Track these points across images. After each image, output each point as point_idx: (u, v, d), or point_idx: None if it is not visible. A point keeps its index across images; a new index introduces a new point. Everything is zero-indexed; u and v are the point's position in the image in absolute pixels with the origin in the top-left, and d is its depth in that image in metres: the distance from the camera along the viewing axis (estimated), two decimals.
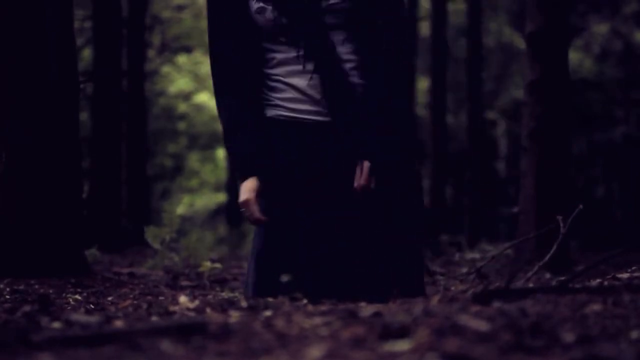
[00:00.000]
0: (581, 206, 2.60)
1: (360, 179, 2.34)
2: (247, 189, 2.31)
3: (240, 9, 2.37)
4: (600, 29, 13.25)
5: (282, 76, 2.37)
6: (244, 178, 2.33)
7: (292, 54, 2.35)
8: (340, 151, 2.36)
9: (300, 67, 2.34)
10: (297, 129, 2.36)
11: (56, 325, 1.59)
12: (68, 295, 2.79)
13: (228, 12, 2.39)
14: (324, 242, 2.37)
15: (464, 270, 4.50)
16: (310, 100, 2.35)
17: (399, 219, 2.45)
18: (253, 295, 2.37)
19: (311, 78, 2.34)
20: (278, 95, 2.37)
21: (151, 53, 12.83)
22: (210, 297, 2.73)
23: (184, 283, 4.12)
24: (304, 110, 2.36)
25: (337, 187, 2.36)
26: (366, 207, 2.39)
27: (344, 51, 2.37)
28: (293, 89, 2.36)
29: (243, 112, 2.36)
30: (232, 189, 18.08)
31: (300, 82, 2.35)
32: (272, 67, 2.39)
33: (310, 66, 2.33)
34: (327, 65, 2.34)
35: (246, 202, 2.30)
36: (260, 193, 2.32)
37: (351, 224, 2.38)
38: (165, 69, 15.15)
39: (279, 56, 2.37)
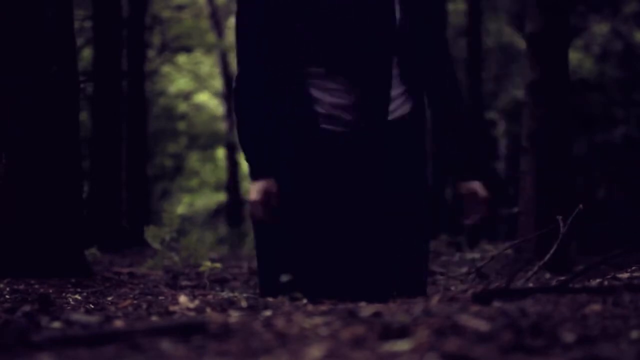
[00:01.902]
0: (581, 206, 2.60)
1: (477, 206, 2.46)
2: (257, 189, 2.38)
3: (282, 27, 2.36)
4: (601, 29, 13.25)
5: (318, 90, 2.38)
6: (256, 179, 2.39)
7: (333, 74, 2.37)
8: (368, 160, 2.38)
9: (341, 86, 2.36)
10: (329, 139, 2.38)
11: (56, 325, 1.59)
12: (68, 295, 2.78)
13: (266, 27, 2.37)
14: (337, 242, 2.38)
15: (464, 270, 4.50)
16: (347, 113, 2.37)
17: (409, 220, 2.47)
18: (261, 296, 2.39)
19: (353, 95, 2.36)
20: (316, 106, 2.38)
21: (151, 53, 12.82)
22: (210, 296, 2.73)
23: (184, 283, 4.12)
24: (340, 122, 2.37)
25: (358, 193, 2.38)
26: (382, 211, 2.41)
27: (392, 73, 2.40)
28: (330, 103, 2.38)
29: (265, 117, 2.39)
30: (232, 189, 18.08)
31: (339, 99, 2.37)
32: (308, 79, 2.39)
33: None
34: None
35: (255, 202, 2.37)
36: (271, 193, 2.38)
37: (365, 226, 2.39)
38: (165, 68, 15.15)
39: (316, 71, 2.38)
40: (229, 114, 18.44)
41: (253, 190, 2.39)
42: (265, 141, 2.39)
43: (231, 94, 2.49)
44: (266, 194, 2.37)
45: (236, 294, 3.23)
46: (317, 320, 1.48)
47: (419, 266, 2.53)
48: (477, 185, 2.47)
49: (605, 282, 2.19)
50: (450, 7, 12.84)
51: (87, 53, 9.45)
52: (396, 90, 2.41)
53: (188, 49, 14.83)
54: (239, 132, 2.41)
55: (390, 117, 2.39)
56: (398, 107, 2.41)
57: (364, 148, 2.38)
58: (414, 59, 2.43)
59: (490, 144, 15.00)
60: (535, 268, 2.30)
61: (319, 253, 2.38)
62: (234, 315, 1.68)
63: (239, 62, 2.40)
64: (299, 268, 2.33)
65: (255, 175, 2.40)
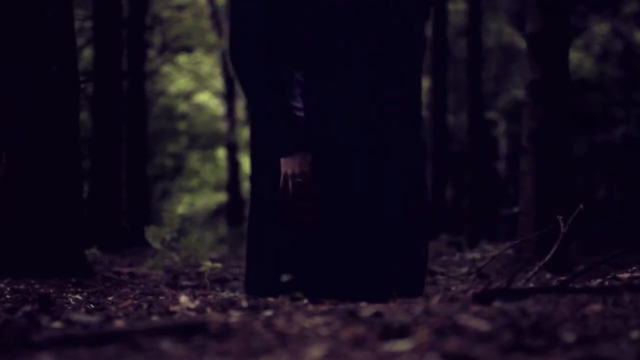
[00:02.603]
0: (581, 206, 2.60)
1: None
2: (305, 161, 2.21)
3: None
4: (601, 29, 13.25)
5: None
6: (297, 150, 2.22)
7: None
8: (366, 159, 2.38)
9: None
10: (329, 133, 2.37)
11: (56, 324, 1.59)
12: (68, 295, 2.79)
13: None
14: (330, 239, 2.38)
15: (464, 270, 4.50)
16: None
17: (409, 220, 2.48)
18: (247, 292, 2.39)
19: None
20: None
21: (151, 53, 12.82)
22: (210, 296, 2.73)
23: (185, 283, 4.12)
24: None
25: (354, 186, 2.38)
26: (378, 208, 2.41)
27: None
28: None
29: (266, 117, 2.28)
30: (232, 189, 18.08)
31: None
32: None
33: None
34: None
35: (308, 176, 2.21)
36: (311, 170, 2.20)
37: (361, 222, 2.39)
38: (166, 68, 15.15)
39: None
40: (229, 114, 18.44)
41: (297, 162, 2.19)
42: (295, 104, 2.24)
43: (230, 52, 2.35)
44: (310, 168, 2.19)
45: (236, 293, 3.23)
46: (318, 320, 1.48)
47: (419, 266, 2.54)
48: None
49: (606, 282, 2.19)
50: (451, 7, 12.84)
51: (87, 53, 9.46)
52: (390, 87, 2.42)
53: (188, 49, 14.84)
54: (264, 108, 2.26)
55: (384, 113, 2.39)
56: (392, 104, 2.42)
57: (362, 146, 2.38)
58: (407, 57, 2.45)
59: (490, 144, 15.00)
60: (536, 268, 2.30)
61: (319, 252, 2.38)
62: (235, 315, 1.68)
63: (240, 61, 2.37)
64: (298, 267, 2.33)
65: (295, 145, 2.20)
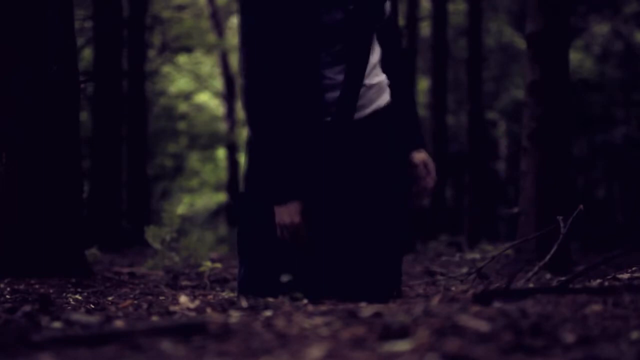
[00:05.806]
0: (581, 207, 2.60)
1: (428, 176, 2.48)
2: (295, 211, 2.31)
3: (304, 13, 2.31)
4: (601, 29, 13.26)
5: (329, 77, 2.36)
6: (289, 201, 2.31)
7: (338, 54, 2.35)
8: (368, 150, 2.39)
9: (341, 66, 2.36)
10: (329, 130, 2.36)
11: (56, 325, 1.60)
12: (68, 295, 2.79)
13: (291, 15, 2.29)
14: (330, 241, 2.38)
15: (464, 270, 4.49)
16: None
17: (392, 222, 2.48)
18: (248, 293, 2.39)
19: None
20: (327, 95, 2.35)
21: (151, 53, 12.82)
22: (210, 297, 2.73)
23: (184, 283, 4.11)
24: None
25: (356, 186, 2.38)
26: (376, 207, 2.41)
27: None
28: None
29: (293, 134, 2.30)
30: (232, 189, 18.07)
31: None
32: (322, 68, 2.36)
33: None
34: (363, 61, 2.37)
35: (298, 225, 2.31)
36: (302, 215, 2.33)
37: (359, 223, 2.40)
38: (166, 68, 15.14)
39: (328, 58, 2.35)
40: (229, 114, 18.43)
41: (288, 212, 2.30)
42: (289, 157, 2.30)
43: (245, 93, 2.31)
44: (302, 215, 2.31)
45: (236, 293, 3.23)
46: (317, 320, 1.48)
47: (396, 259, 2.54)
48: (426, 155, 2.52)
49: (606, 283, 2.19)
50: (451, 7, 12.84)
51: (87, 53, 9.45)
52: (378, 78, 2.43)
53: (188, 49, 14.83)
54: (264, 152, 2.32)
55: (370, 109, 2.40)
56: (378, 96, 2.43)
57: (351, 139, 2.38)
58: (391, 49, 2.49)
59: (490, 144, 15.00)
60: (536, 268, 2.30)
61: (315, 252, 2.38)
62: (234, 316, 1.69)
63: (258, 59, 2.29)
64: (295, 268, 2.33)
65: (286, 197, 2.31)
